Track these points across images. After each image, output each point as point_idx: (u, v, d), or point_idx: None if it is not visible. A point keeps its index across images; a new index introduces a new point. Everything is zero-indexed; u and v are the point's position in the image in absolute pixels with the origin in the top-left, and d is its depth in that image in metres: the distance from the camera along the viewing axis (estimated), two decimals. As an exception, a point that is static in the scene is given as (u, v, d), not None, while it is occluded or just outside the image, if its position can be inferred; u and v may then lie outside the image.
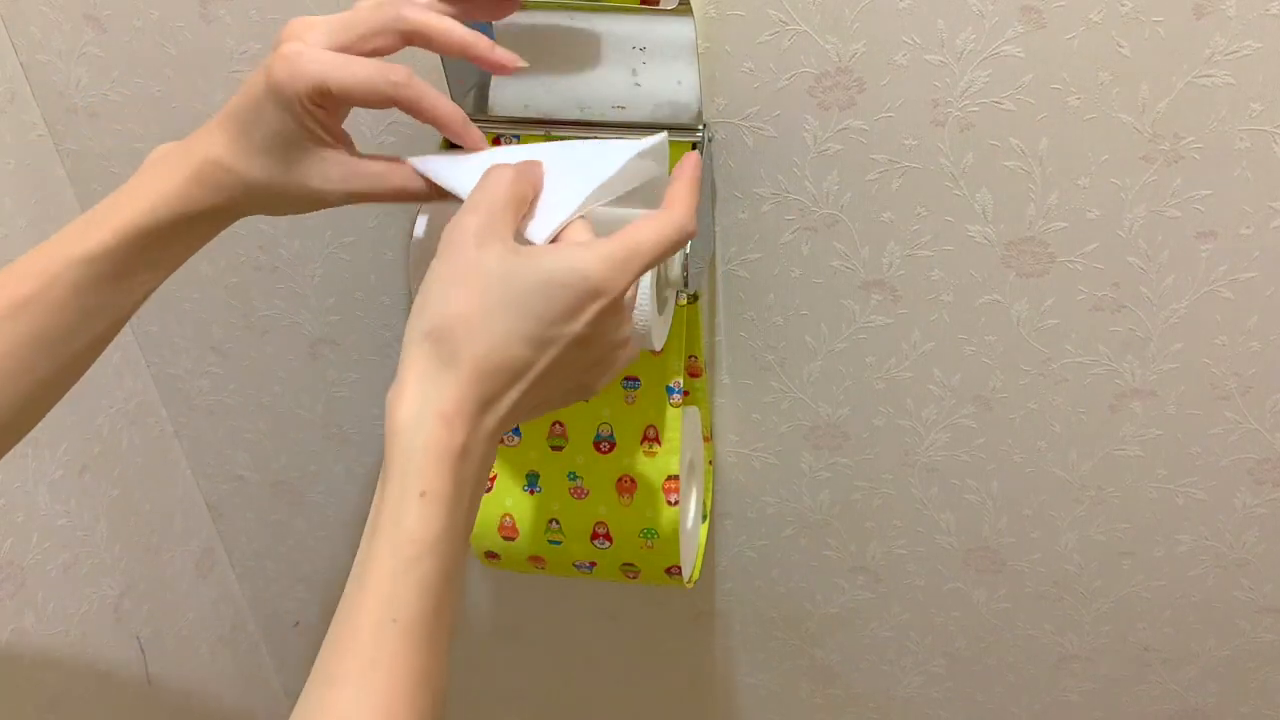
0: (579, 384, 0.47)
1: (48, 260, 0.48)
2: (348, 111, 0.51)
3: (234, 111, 0.49)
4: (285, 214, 0.51)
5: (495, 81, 0.63)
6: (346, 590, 0.40)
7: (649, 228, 0.46)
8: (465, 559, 0.43)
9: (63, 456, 0.83)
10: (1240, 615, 0.79)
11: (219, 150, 0.49)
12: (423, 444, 0.40)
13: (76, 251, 0.48)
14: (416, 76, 0.48)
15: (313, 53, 0.46)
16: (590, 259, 0.43)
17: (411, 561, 0.40)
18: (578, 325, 0.43)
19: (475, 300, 0.42)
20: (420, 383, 0.41)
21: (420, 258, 0.59)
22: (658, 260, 0.46)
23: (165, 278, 0.52)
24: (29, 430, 0.52)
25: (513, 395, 0.43)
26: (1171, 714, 0.87)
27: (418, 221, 0.60)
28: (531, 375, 0.43)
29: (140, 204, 0.49)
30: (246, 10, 0.68)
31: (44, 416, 0.52)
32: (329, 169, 0.49)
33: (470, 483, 0.42)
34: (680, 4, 0.57)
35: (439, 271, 0.43)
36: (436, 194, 0.51)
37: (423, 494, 0.40)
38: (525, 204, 0.46)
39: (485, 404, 0.42)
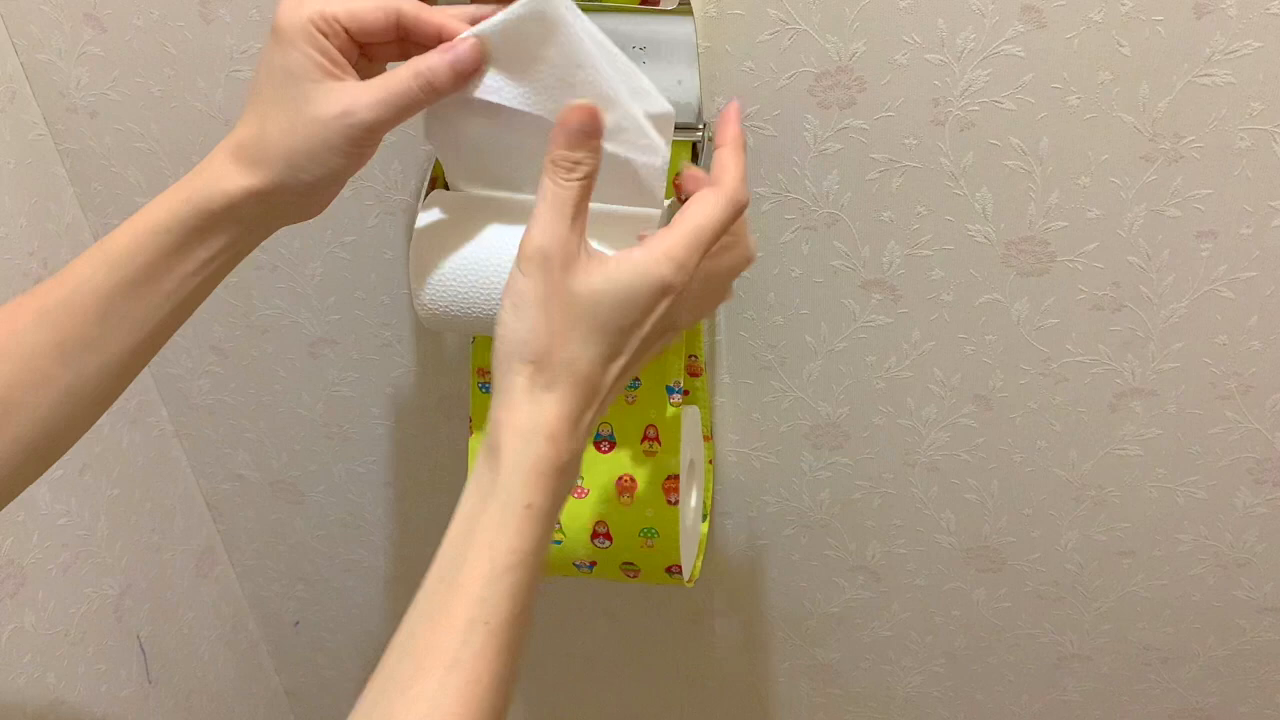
0: (655, 353, 0.50)
1: (77, 266, 0.49)
2: (356, 55, 0.50)
3: (252, 89, 0.49)
4: (318, 189, 0.50)
5: None
6: (429, 590, 0.42)
7: (705, 211, 0.47)
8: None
9: (63, 455, 0.83)
10: (1240, 614, 0.79)
11: (242, 132, 0.49)
12: (531, 462, 0.43)
13: (100, 254, 0.48)
14: None
15: None
16: (663, 264, 0.45)
17: (507, 570, 0.42)
18: (653, 320, 0.46)
19: (566, 327, 0.45)
20: (527, 404, 0.44)
21: (423, 248, 0.59)
22: (720, 237, 0.48)
23: (193, 300, 0.51)
24: (52, 461, 0.52)
25: (600, 404, 0.47)
26: (1172, 713, 0.87)
27: (420, 217, 0.60)
28: (616, 381, 0.47)
29: (164, 203, 0.49)
30: (246, 10, 0.68)
31: (68, 448, 0.52)
32: (345, 94, 0.49)
33: (565, 496, 0.46)
34: (680, 4, 0.57)
35: (529, 295, 0.44)
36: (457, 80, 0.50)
37: (528, 507, 0.43)
38: (587, 208, 0.47)
39: (581, 420, 0.45)
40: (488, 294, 0.59)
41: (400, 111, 0.48)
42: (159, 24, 0.70)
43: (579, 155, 0.45)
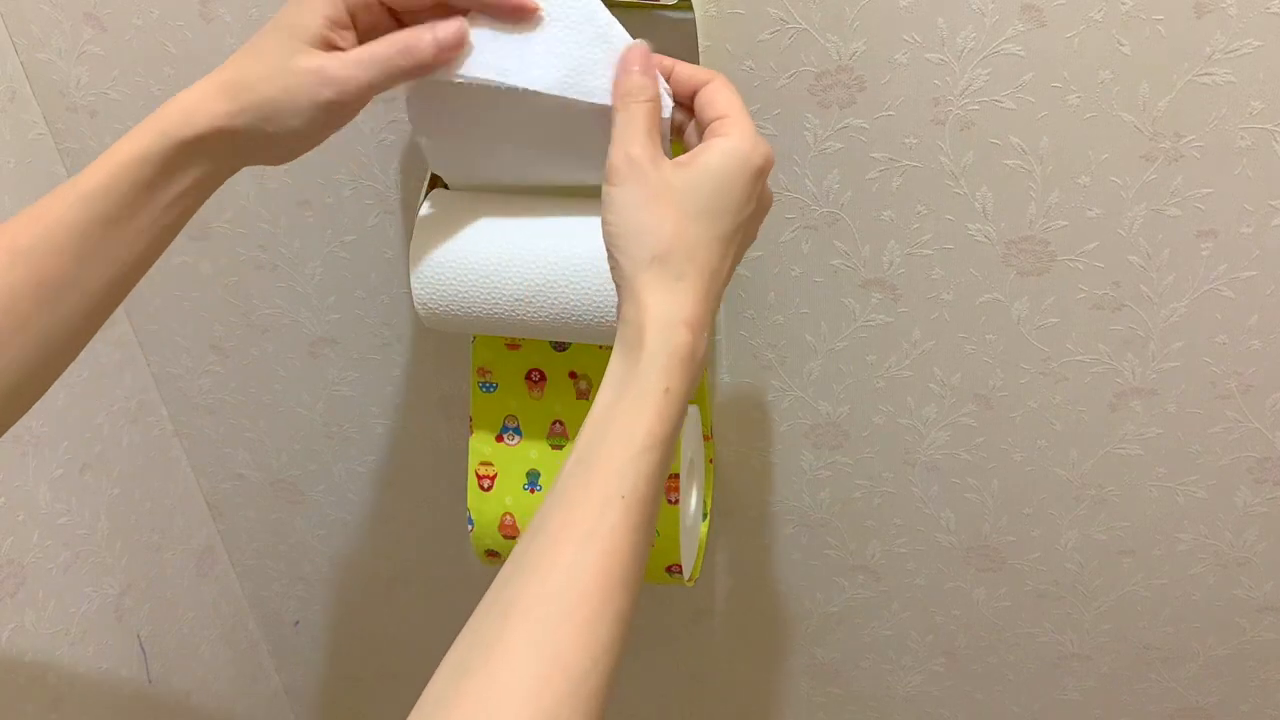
0: (751, 237, 0.52)
1: (49, 204, 0.49)
2: (355, 41, 0.52)
3: (253, 39, 0.50)
4: (284, 139, 0.51)
5: None
6: (565, 474, 0.44)
7: (733, 96, 0.50)
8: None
9: (63, 455, 0.83)
10: (1240, 613, 0.79)
11: (225, 72, 0.50)
12: (673, 348, 0.45)
13: (74, 192, 0.48)
14: None
15: None
16: (744, 144, 0.48)
17: (645, 450, 0.43)
18: (753, 197, 0.49)
19: (678, 217, 0.47)
20: (662, 296, 0.46)
21: (423, 247, 0.59)
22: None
23: (168, 231, 0.52)
24: (32, 402, 0.51)
25: (721, 288, 0.49)
26: (1172, 712, 0.87)
27: (420, 216, 0.60)
28: (731, 264, 0.50)
29: (136, 138, 0.49)
30: (246, 9, 0.68)
31: (47, 387, 0.52)
32: (328, 56, 0.50)
33: (697, 382, 0.47)
34: (680, 1, 0.57)
35: (634, 199, 0.47)
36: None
37: (666, 390, 0.45)
38: (659, 118, 0.50)
39: (710, 304, 0.48)
40: (488, 293, 0.59)
41: (375, 76, 0.49)
42: (159, 23, 0.70)
43: (642, 83, 0.50)
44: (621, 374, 0.45)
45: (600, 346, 0.67)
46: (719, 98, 0.50)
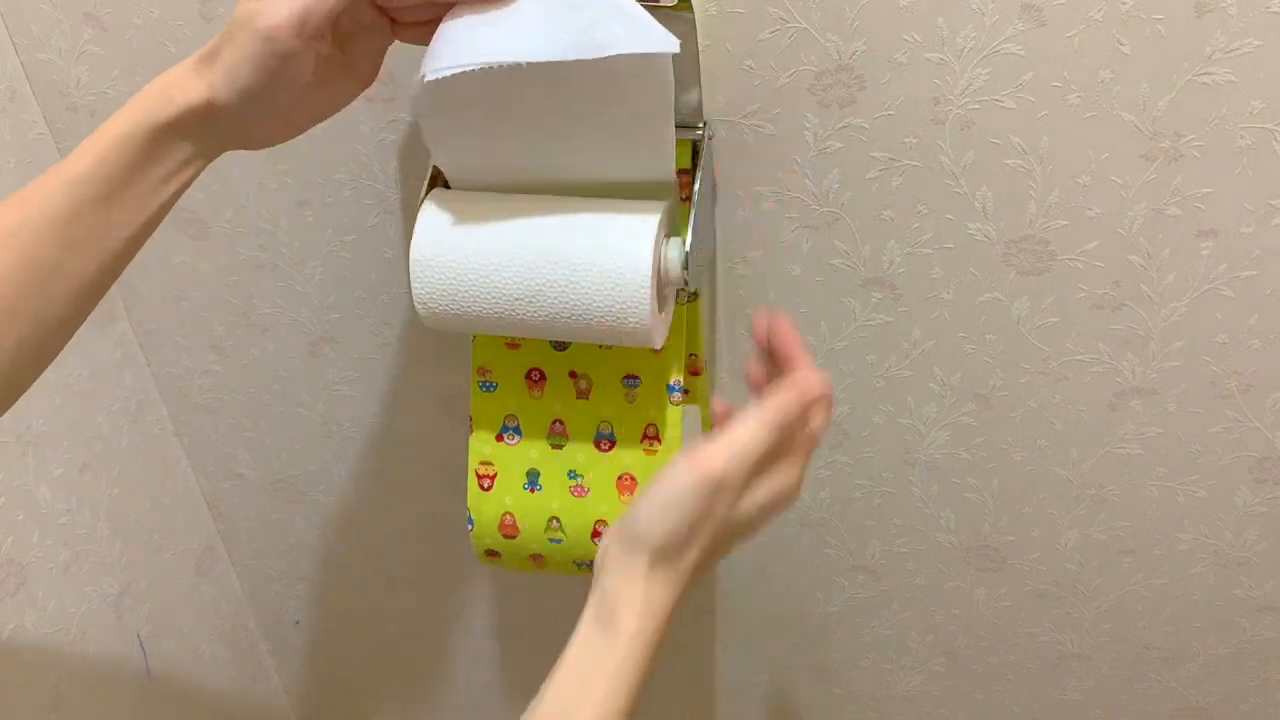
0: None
1: (35, 188, 0.49)
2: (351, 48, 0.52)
3: (218, 51, 0.50)
4: (256, 106, 0.51)
5: None
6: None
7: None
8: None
9: (63, 455, 0.83)
10: (1240, 613, 0.79)
11: (203, 50, 0.50)
12: (650, 638, 0.50)
13: (61, 175, 0.48)
14: None
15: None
16: (794, 495, 0.52)
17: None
18: (732, 541, 0.52)
19: (706, 541, 0.50)
20: (649, 588, 0.50)
21: (424, 246, 0.59)
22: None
23: (156, 215, 0.52)
24: (23, 389, 0.51)
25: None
26: (1172, 712, 0.87)
27: (420, 215, 0.60)
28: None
29: (119, 120, 0.49)
30: (247, 8, 0.68)
31: (38, 374, 0.52)
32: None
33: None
34: (680, 2, 0.57)
35: (688, 509, 0.48)
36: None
37: (644, 675, 0.50)
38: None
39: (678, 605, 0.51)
40: (488, 292, 0.59)
41: (318, 9, 0.48)
42: (159, 23, 0.70)
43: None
44: (599, 644, 0.48)
45: (600, 346, 0.67)
46: (809, 424, 0.52)
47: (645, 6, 0.51)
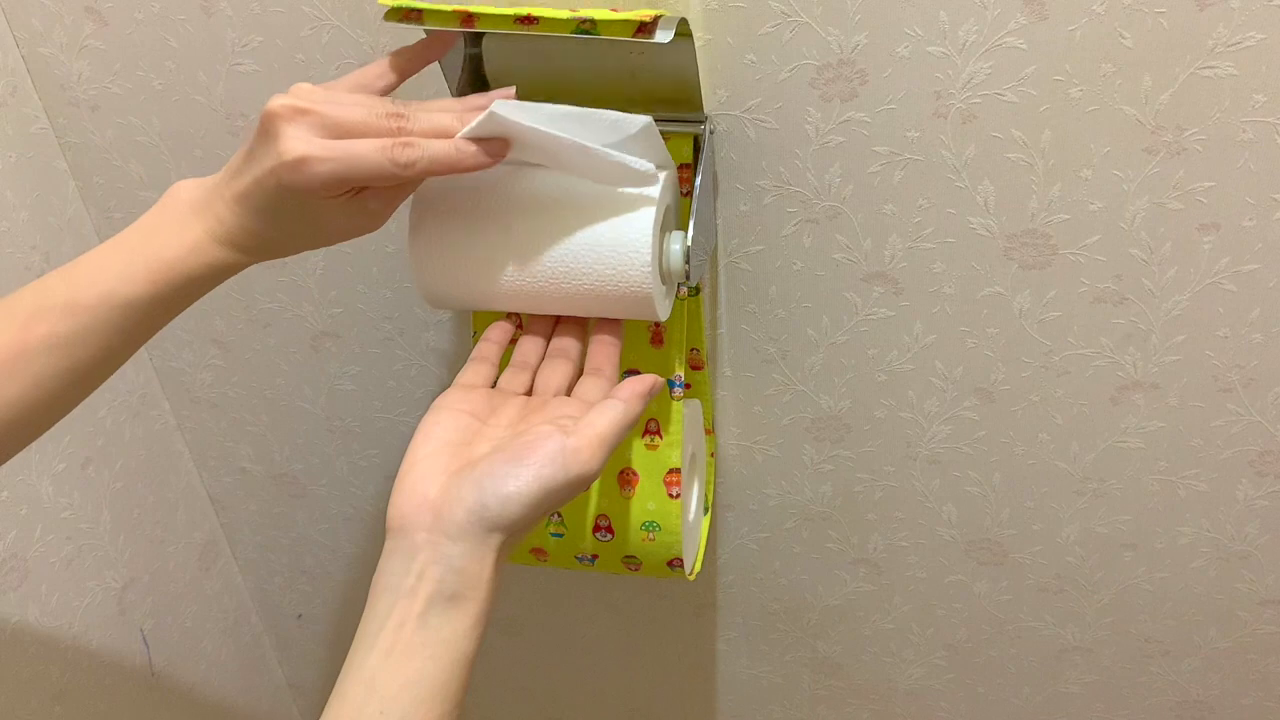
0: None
1: (85, 299, 0.50)
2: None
3: (248, 195, 0.51)
4: (283, 246, 0.54)
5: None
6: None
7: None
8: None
9: (66, 449, 0.83)
10: (1241, 607, 0.79)
11: (243, 219, 0.51)
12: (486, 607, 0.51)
13: (119, 297, 0.50)
14: (416, 115, 0.51)
15: (316, 152, 0.48)
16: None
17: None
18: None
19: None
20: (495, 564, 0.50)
21: (422, 213, 0.59)
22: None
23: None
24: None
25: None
26: (1173, 706, 0.87)
27: (416, 196, 0.60)
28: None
29: (177, 252, 0.51)
30: (248, 3, 0.68)
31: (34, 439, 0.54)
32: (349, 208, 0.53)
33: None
34: (677, 34, 0.56)
35: (566, 488, 0.49)
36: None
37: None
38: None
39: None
40: (487, 264, 0.58)
41: (352, 169, 0.49)
42: (160, 17, 0.70)
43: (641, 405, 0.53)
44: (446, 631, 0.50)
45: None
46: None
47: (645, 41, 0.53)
